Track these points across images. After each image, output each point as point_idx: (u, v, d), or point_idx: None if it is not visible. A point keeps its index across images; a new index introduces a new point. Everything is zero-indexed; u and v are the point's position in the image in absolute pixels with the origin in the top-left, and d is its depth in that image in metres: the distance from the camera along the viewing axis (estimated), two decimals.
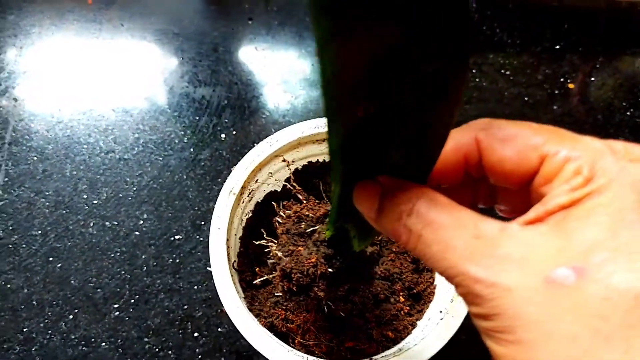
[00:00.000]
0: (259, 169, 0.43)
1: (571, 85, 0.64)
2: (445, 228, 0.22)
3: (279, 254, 0.39)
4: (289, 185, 0.45)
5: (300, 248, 0.39)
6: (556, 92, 0.64)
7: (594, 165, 0.21)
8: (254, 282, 0.44)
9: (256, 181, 0.44)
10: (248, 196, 0.45)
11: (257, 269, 0.45)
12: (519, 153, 0.23)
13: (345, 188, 0.26)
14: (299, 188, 0.43)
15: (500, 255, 0.20)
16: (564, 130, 0.23)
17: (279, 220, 0.41)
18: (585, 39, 0.68)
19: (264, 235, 0.42)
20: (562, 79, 0.65)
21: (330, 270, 0.37)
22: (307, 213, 0.40)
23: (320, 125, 0.43)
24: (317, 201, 0.42)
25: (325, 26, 0.17)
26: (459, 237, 0.22)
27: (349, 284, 0.39)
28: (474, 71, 0.64)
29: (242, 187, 0.42)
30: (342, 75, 0.19)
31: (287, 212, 0.41)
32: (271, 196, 0.48)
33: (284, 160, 0.45)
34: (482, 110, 0.62)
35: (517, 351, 0.20)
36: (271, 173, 0.46)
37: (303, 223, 0.40)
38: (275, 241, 0.41)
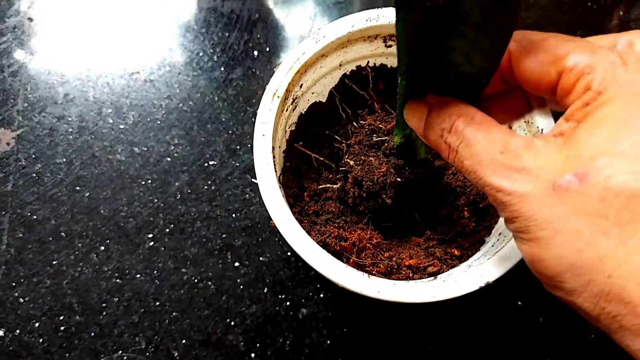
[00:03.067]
0: (304, 70, 0.38)
1: None
2: (477, 144, 0.25)
3: (351, 162, 0.38)
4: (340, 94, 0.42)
5: (371, 158, 0.38)
6: None
7: (605, 78, 0.23)
8: (317, 189, 0.41)
9: (300, 86, 0.39)
10: (292, 104, 0.40)
11: (305, 183, 0.40)
12: (540, 66, 0.25)
13: (411, 86, 0.28)
14: (376, 97, 0.41)
15: (519, 168, 0.24)
16: (585, 40, 0.24)
17: (352, 129, 0.40)
18: None
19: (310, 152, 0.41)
20: None
21: (399, 179, 0.37)
22: (380, 125, 0.39)
23: (373, 17, 0.38)
24: (390, 113, 0.41)
25: None
26: (488, 152, 0.25)
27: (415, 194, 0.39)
28: None
29: (286, 91, 0.37)
30: None
31: (361, 122, 0.40)
32: (315, 107, 0.43)
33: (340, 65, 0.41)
34: (540, 18, 0.56)
35: (534, 247, 0.24)
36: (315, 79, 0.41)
37: (375, 135, 0.39)
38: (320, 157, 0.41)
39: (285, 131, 0.41)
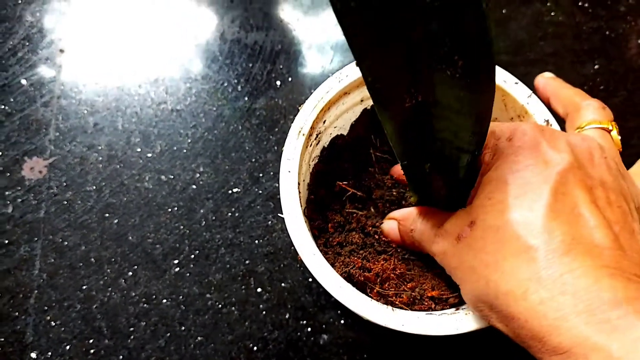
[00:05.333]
0: (327, 108, 0.40)
1: None
2: (425, 231, 0.35)
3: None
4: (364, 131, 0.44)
5: None
6: None
7: (491, 151, 0.30)
8: (342, 221, 0.42)
9: (324, 122, 0.41)
10: (315, 139, 0.41)
11: (329, 215, 0.42)
12: None
13: (412, 166, 0.33)
14: None
15: (441, 232, 0.32)
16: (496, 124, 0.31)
17: (375, 181, 0.43)
18: None
19: (337, 181, 0.42)
20: None
21: None
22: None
23: None
24: None
25: (357, 43, 0.22)
26: (431, 232, 0.34)
27: None
28: (547, 4, 0.58)
29: (310, 128, 0.39)
30: (381, 79, 0.24)
31: (383, 175, 0.43)
32: (338, 140, 0.44)
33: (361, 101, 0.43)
34: (558, 47, 0.57)
35: (462, 289, 0.31)
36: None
37: (395, 190, 0.41)
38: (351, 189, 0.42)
39: (310, 165, 0.42)
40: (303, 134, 0.38)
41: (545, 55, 0.56)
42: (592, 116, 0.35)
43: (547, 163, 0.27)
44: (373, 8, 0.21)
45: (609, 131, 0.35)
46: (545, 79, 0.40)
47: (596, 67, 0.56)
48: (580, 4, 0.58)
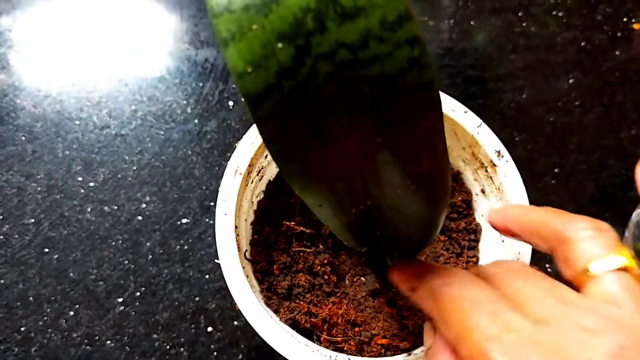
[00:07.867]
0: None
1: (636, 26, 0.55)
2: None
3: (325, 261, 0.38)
4: None
5: (343, 256, 0.39)
6: (618, 34, 0.54)
7: None
8: (288, 262, 0.39)
9: (266, 157, 0.38)
10: (258, 175, 0.38)
11: (275, 255, 0.38)
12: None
13: (358, 244, 0.31)
14: None
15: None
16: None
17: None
18: None
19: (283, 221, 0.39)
20: (625, 19, 0.55)
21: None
22: None
23: None
24: None
25: (296, 182, 0.21)
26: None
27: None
28: (519, 14, 0.54)
29: (249, 165, 0.35)
30: (327, 205, 0.23)
31: None
32: None
33: None
34: (531, 60, 0.53)
35: None
36: None
37: None
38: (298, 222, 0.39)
39: (252, 202, 0.39)
40: (240, 173, 0.35)
41: (516, 70, 0.52)
42: (595, 250, 0.24)
43: None
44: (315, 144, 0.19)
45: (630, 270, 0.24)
46: (496, 211, 0.30)
47: (571, 81, 0.53)
48: (554, 13, 0.55)
